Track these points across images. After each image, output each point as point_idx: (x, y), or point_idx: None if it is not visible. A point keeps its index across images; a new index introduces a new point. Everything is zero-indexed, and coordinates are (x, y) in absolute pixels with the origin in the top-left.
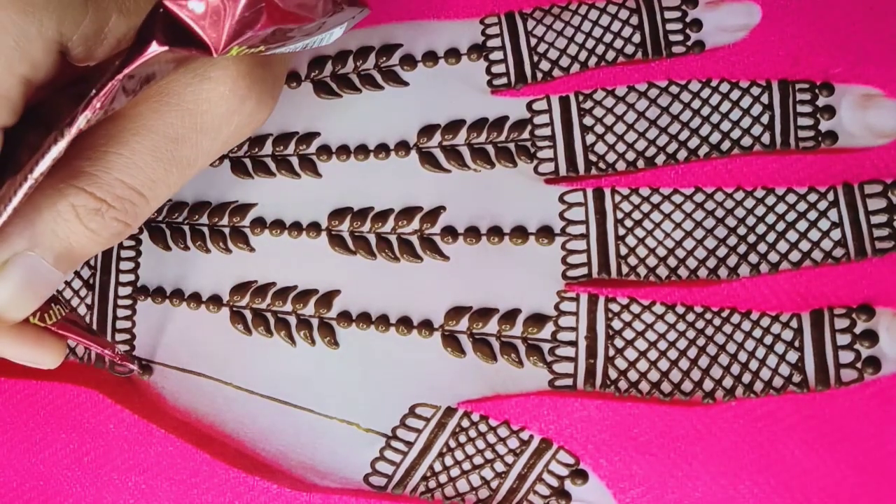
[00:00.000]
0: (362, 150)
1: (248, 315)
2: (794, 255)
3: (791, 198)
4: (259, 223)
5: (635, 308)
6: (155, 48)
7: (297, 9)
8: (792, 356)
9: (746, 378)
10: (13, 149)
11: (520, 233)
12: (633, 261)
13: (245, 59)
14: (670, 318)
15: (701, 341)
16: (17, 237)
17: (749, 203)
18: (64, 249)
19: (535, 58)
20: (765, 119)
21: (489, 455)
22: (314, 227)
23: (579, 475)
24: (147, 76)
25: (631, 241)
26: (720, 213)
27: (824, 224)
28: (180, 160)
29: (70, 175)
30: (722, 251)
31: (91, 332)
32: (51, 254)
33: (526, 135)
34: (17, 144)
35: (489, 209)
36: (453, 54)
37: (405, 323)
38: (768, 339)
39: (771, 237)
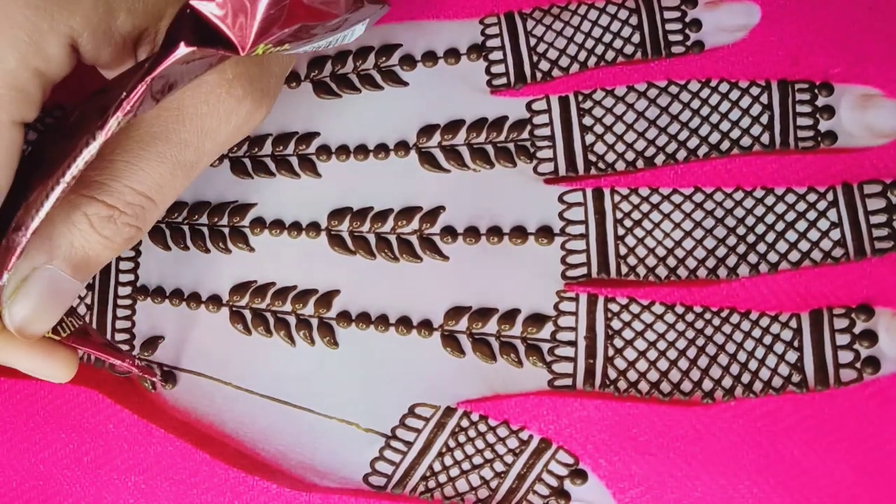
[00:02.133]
0: (362, 150)
1: (248, 315)
2: (794, 255)
3: (790, 198)
4: (259, 223)
5: (635, 308)
6: (183, 49)
7: (320, 5)
8: (791, 356)
9: (746, 378)
10: (37, 163)
11: (519, 233)
12: (632, 261)
13: (241, 62)
14: (669, 317)
15: (700, 341)
16: (35, 252)
17: (748, 203)
18: (81, 259)
19: (535, 58)
20: (764, 119)
21: (488, 455)
22: (314, 227)
23: (578, 475)
24: (171, 83)
25: (630, 240)
26: (719, 213)
27: (823, 224)
28: (184, 163)
29: (80, 186)
30: (721, 251)
31: (105, 343)
32: (68, 265)
33: (525, 135)
34: (39, 158)
35: (489, 209)
36: (453, 54)
37: (405, 323)
38: (767, 339)
39: (770, 237)
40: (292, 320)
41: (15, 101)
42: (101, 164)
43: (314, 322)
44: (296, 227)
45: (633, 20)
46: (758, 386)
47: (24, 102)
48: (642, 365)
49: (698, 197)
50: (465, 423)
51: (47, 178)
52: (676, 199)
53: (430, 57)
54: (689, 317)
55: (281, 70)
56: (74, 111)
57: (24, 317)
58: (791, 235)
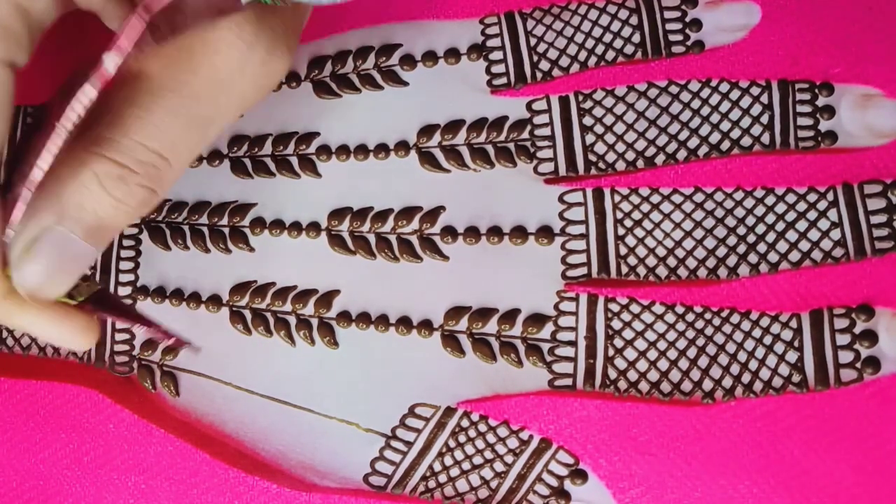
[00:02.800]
0: (362, 150)
1: (248, 315)
2: (794, 255)
3: (791, 198)
4: (259, 223)
5: (635, 308)
6: None
7: None
8: (791, 356)
9: (746, 378)
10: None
11: (519, 233)
12: (632, 261)
13: (251, 8)
14: (670, 317)
15: (700, 341)
16: (43, 212)
17: (749, 203)
18: (93, 222)
19: (535, 57)
20: (764, 119)
21: (489, 455)
22: (314, 227)
23: (579, 475)
24: (175, 24)
25: (630, 240)
26: (720, 213)
27: (824, 224)
28: (198, 118)
29: (90, 143)
30: (721, 251)
31: (123, 308)
32: (80, 227)
33: (525, 135)
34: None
35: (489, 209)
36: (453, 54)
37: (405, 323)
38: (768, 339)
39: (770, 237)
40: (292, 320)
41: (1, 38)
42: (110, 119)
43: (314, 322)
44: (296, 227)
45: (634, 20)
46: (758, 386)
47: (10, 40)
48: (642, 365)
49: (699, 197)
50: (465, 423)
51: (47, 131)
52: (677, 199)
53: (431, 57)
54: (690, 317)
55: (295, 23)
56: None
57: (36, 280)
58: (791, 235)
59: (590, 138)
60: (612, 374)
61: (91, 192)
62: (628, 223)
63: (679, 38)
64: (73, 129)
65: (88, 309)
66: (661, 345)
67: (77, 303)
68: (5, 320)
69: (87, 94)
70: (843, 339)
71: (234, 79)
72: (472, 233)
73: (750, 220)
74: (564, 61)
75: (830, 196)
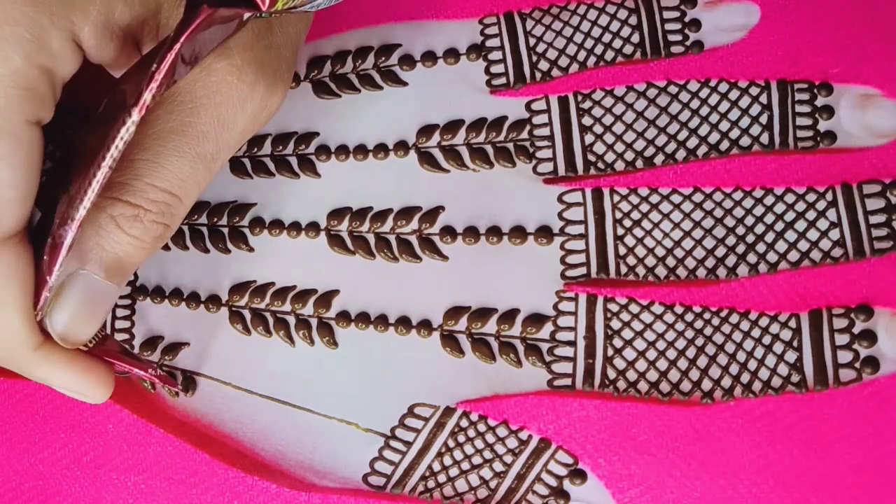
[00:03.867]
0: (361, 150)
1: (247, 315)
2: (793, 255)
3: (790, 198)
4: (258, 223)
5: (634, 308)
6: (206, 11)
7: None
8: (790, 356)
9: (745, 378)
10: (71, 163)
11: (518, 233)
12: (631, 261)
13: (249, 47)
14: (669, 317)
15: (699, 341)
16: (67, 259)
17: (748, 203)
18: (113, 261)
19: (534, 58)
20: (763, 119)
21: (488, 455)
22: (313, 227)
23: (578, 475)
24: (196, 52)
25: (629, 240)
26: (719, 212)
27: (823, 224)
28: (204, 156)
29: (106, 197)
30: (720, 251)
31: (127, 353)
32: (101, 268)
33: (525, 135)
34: (72, 157)
35: (488, 209)
36: (452, 54)
37: (404, 323)
38: (767, 339)
39: (769, 237)
40: (291, 320)
41: (26, 100)
42: (121, 166)
43: (313, 322)
44: (295, 227)
45: (633, 20)
46: (757, 386)
47: (36, 101)
48: (641, 365)
49: (697, 197)
50: (464, 423)
51: (86, 168)
52: (676, 198)
53: (430, 57)
54: (689, 317)
55: (291, 53)
56: (99, 106)
57: (65, 324)
58: (790, 235)
59: (589, 138)
60: (612, 373)
61: (109, 233)
62: (627, 223)
63: (678, 38)
64: (113, 165)
65: (99, 355)
66: (661, 345)
67: (88, 349)
68: (34, 372)
69: (128, 129)
70: (842, 339)
71: (237, 116)
72: (472, 233)
73: (749, 220)
74: (563, 61)
75: (829, 196)
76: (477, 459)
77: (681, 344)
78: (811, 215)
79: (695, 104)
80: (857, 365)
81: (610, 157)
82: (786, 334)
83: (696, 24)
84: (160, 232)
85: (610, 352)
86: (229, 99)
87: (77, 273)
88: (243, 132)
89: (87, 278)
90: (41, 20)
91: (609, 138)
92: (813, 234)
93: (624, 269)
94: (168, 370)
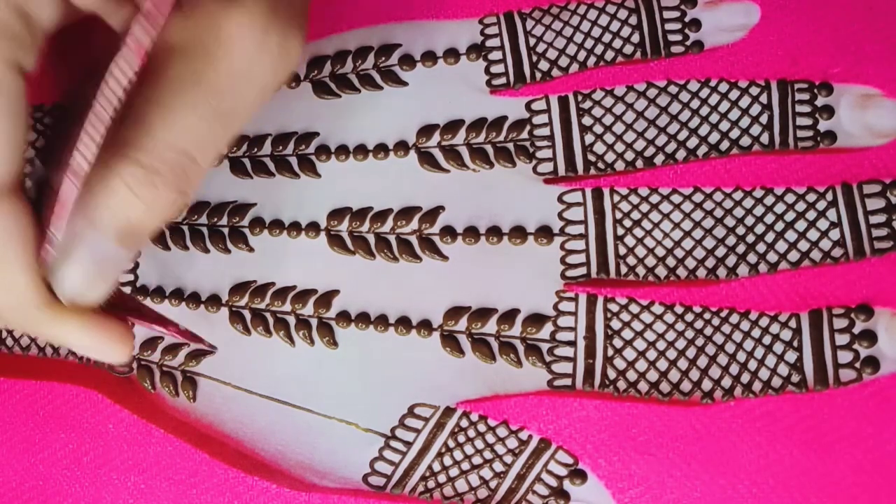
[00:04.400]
0: (361, 150)
1: (247, 315)
2: (793, 255)
3: (790, 198)
4: (258, 223)
5: (634, 308)
6: None
7: None
8: (791, 356)
9: (745, 378)
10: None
11: (519, 233)
12: (631, 261)
13: None
14: (669, 318)
15: (699, 341)
16: (75, 217)
17: (748, 203)
18: (124, 226)
19: (534, 57)
20: (763, 119)
21: (488, 455)
22: (313, 227)
23: (578, 475)
24: None
25: (630, 240)
26: (719, 212)
27: (823, 224)
28: (222, 113)
29: (115, 146)
30: (721, 251)
31: (144, 310)
32: (112, 232)
33: (525, 135)
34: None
35: (488, 209)
36: (452, 54)
37: (404, 323)
38: (767, 339)
39: (770, 237)
40: (291, 320)
41: (4, 40)
42: (132, 120)
43: (313, 322)
44: (295, 227)
45: (633, 20)
46: (757, 386)
47: (14, 41)
48: (642, 365)
49: (697, 197)
50: (464, 423)
51: (82, 119)
52: (676, 199)
53: (430, 57)
54: (689, 317)
55: (303, 2)
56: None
57: (74, 286)
58: (790, 235)
59: (589, 138)
60: (612, 374)
61: (119, 196)
62: (627, 223)
63: (678, 37)
64: (114, 115)
65: (118, 314)
66: (661, 345)
67: (105, 308)
68: (45, 331)
69: (121, 66)
70: (842, 339)
71: (253, 68)
72: (472, 233)
73: (749, 220)
74: (564, 61)
75: (829, 196)
76: (477, 459)
77: (681, 344)
78: (811, 215)
79: (695, 104)
80: (858, 365)
81: (610, 157)
82: (786, 334)
83: (696, 23)
84: (175, 197)
85: (610, 352)
86: (244, 46)
87: (86, 234)
88: (263, 87)
89: (96, 240)
90: None
91: (609, 138)
92: (813, 234)
93: (624, 269)
94: (167, 370)
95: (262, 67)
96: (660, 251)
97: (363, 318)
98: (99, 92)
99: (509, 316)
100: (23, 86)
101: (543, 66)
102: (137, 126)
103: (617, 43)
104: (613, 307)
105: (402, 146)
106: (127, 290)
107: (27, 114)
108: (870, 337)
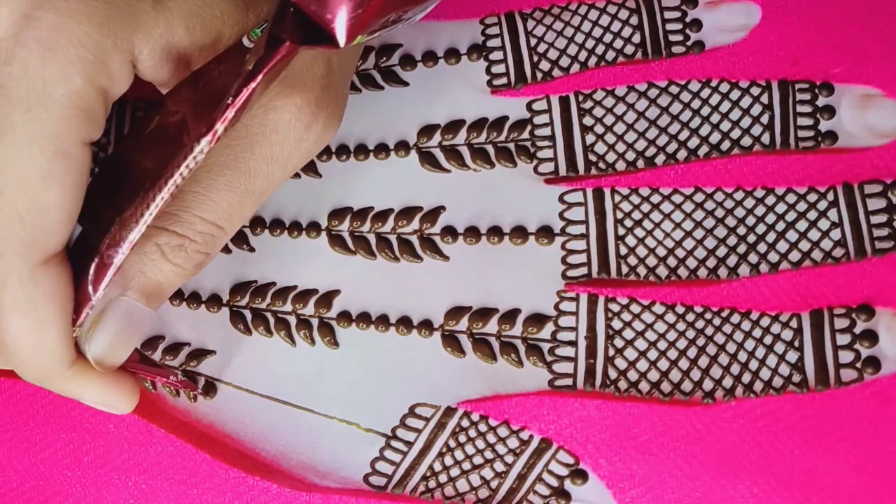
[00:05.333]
0: (362, 150)
1: (248, 315)
2: (794, 255)
3: (791, 198)
4: (259, 223)
5: (635, 308)
6: (288, 47)
7: None
8: (792, 356)
9: (746, 378)
10: (114, 176)
11: (520, 233)
12: (632, 261)
13: (309, 87)
14: (670, 317)
15: (701, 341)
16: (110, 285)
17: (749, 203)
18: (153, 288)
19: (535, 58)
20: (764, 119)
21: (489, 455)
22: (314, 227)
23: (579, 475)
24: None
25: (631, 240)
26: (720, 213)
27: (824, 224)
28: (253, 192)
29: (153, 227)
30: (722, 251)
31: (147, 360)
32: (142, 294)
33: (526, 135)
34: (117, 171)
35: (489, 209)
36: (453, 54)
37: (405, 323)
38: (768, 339)
39: (771, 237)
40: (293, 320)
41: (83, 120)
42: (170, 203)
43: (314, 322)
44: (296, 227)
45: (634, 20)
46: (758, 386)
47: (92, 122)
48: (643, 365)
49: (699, 197)
50: (465, 422)
51: (142, 191)
52: (677, 199)
53: (431, 57)
54: (690, 317)
55: (346, 90)
56: (148, 121)
57: (103, 349)
58: (792, 235)
59: (590, 138)
60: (613, 373)
61: (153, 261)
62: (628, 223)
63: (679, 38)
64: (175, 192)
65: (125, 367)
66: (662, 345)
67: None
68: (64, 387)
69: (195, 158)
70: (843, 339)
71: (291, 155)
72: (473, 233)
73: (750, 220)
74: (564, 61)
75: (831, 196)
76: (478, 459)
77: (682, 344)
78: (812, 215)
79: (696, 104)
80: (859, 365)
81: (611, 157)
82: (787, 334)
83: (697, 24)
84: (201, 260)
85: (611, 352)
86: (286, 138)
87: (119, 299)
88: (294, 168)
89: (128, 305)
90: (105, 42)
91: (610, 138)
92: (814, 234)
93: (625, 269)
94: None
95: (298, 154)
96: (661, 251)
97: (364, 318)
98: (170, 171)
99: (510, 316)
100: (89, 158)
101: (544, 66)
102: (175, 200)
103: (618, 43)
104: (614, 307)
105: (402, 146)
106: None
107: (86, 186)
108: (871, 337)
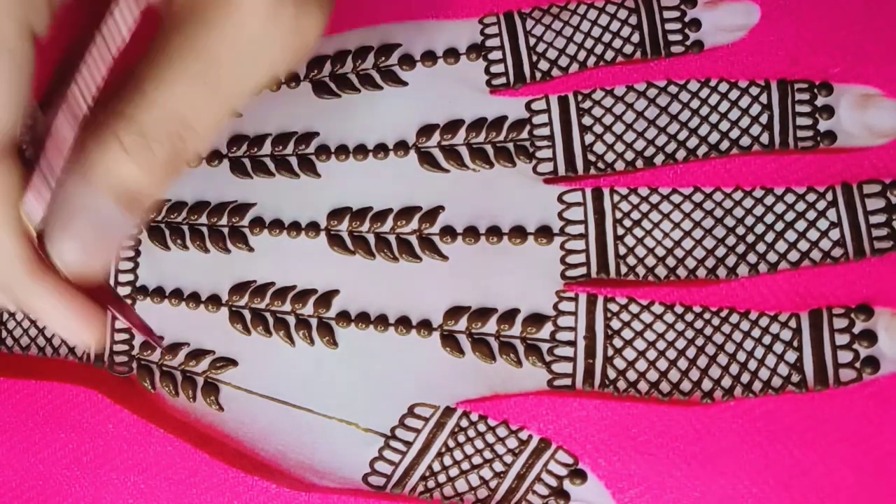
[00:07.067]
0: (361, 150)
1: (247, 315)
2: (793, 255)
3: (790, 198)
4: (258, 223)
5: (634, 308)
6: None
7: None
8: (791, 356)
9: (745, 378)
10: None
11: (518, 233)
12: (631, 260)
13: None
14: (669, 317)
15: (699, 341)
16: (70, 177)
17: (748, 203)
18: (122, 189)
19: (534, 57)
20: (763, 119)
21: (488, 455)
22: (313, 227)
23: (578, 475)
24: None
25: (630, 240)
26: (719, 212)
27: (823, 224)
28: (221, 84)
29: (112, 113)
30: (720, 251)
31: (119, 299)
32: (109, 192)
33: (525, 134)
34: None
35: (488, 209)
36: (452, 54)
37: (404, 323)
38: (767, 339)
39: (769, 237)
40: (291, 320)
41: (22, 6)
42: (131, 89)
43: (313, 322)
44: (295, 227)
45: (633, 20)
46: (757, 386)
47: (30, 4)
48: (642, 365)
49: (697, 197)
50: (464, 422)
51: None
52: (676, 198)
53: (430, 57)
54: (689, 317)
55: None
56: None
57: (75, 253)
58: (790, 235)
59: (589, 138)
60: (612, 373)
61: (115, 156)
62: (627, 223)
63: (678, 37)
64: (116, 54)
65: (92, 295)
66: (661, 345)
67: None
68: (30, 302)
69: (122, 10)
70: (842, 339)
71: (260, 42)
72: (472, 233)
73: (749, 220)
74: (563, 61)
75: (829, 196)
76: (477, 459)
77: (681, 344)
78: (811, 215)
79: (695, 104)
80: (858, 365)
81: (610, 156)
82: (786, 334)
83: (696, 23)
84: (171, 163)
85: (610, 352)
86: (250, 19)
87: (84, 193)
88: (272, 63)
89: (94, 201)
90: None
91: (609, 138)
92: (813, 234)
93: (624, 269)
94: (167, 370)
95: (269, 42)
96: (660, 251)
97: (363, 318)
98: (100, 27)
99: (509, 316)
100: (32, 51)
101: (543, 65)
102: (135, 94)
103: (617, 43)
104: (613, 307)
105: (401, 146)
106: (127, 290)
107: (31, 79)
108: (870, 337)
